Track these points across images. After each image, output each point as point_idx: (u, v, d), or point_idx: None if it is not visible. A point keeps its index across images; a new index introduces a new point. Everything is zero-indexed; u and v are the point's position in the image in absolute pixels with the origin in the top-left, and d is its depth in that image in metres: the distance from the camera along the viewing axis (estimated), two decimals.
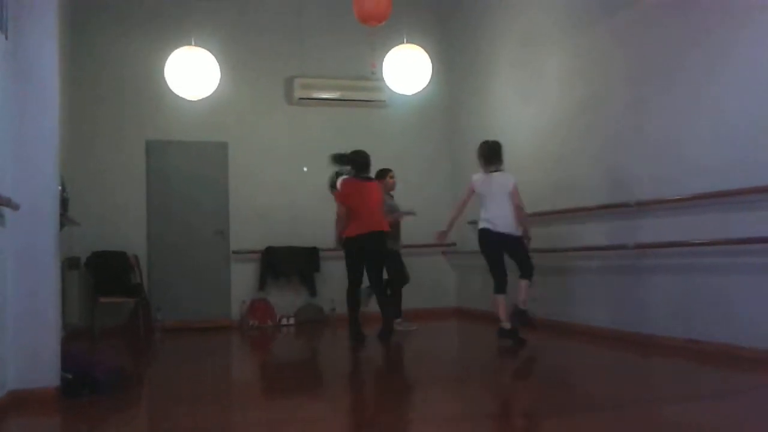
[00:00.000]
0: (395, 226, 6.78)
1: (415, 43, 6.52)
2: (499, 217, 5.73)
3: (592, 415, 3.29)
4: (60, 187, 4.75)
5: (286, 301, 8.03)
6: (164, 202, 7.96)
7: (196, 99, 6.65)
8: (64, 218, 5.63)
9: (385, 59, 6.46)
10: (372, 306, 6.59)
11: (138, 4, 8.00)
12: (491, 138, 6.15)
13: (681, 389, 3.92)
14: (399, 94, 6.98)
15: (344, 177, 6.37)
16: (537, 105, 7.07)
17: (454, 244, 8.71)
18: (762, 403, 3.53)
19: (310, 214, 7.84)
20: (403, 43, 6.48)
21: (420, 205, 7.45)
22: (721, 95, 4.84)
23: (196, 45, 6.43)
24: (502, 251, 5.81)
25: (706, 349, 4.80)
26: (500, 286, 5.74)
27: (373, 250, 6.14)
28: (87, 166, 7.54)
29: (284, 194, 8.09)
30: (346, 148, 6.51)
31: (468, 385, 4.43)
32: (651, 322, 5.39)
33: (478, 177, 5.94)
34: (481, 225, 5.83)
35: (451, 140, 8.96)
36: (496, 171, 5.86)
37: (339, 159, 6.47)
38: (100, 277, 7.29)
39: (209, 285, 7.98)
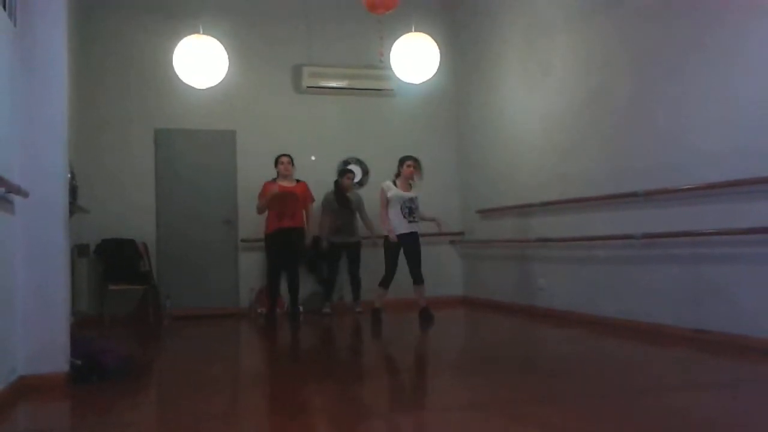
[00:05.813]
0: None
1: (423, 32, 6.48)
2: None
3: (598, 403, 3.29)
4: (69, 175, 4.78)
5: None
6: (173, 191, 7.99)
7: (204, 87, 6.64)
8: (74, 206, 5.67)
9: (392, 47, 6.43)
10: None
11: None
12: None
13: (688, 379, 3.91)
14: (407, 83, 6.95)
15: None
16: (544, 94, 7.04)
17: (462, 233, 8.73)
18: None
19: (318, 203, 7.85)
20: (411, 31, 6.45)
21: (427, 192, 7.44)
22: (729, 84, 4.80)
23: (204, 33, 6.41)
24: None
25: (713, 339, 4.79)
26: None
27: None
28: (96, 155, 7.59)
29: None
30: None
31: (471, 374, 4.44)
32: (658, 312, 5.38)
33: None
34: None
35: (458, 129, 8.94)
36: None
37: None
38: (109, 265, 7.34)
39: (218, 273, 8.03)
